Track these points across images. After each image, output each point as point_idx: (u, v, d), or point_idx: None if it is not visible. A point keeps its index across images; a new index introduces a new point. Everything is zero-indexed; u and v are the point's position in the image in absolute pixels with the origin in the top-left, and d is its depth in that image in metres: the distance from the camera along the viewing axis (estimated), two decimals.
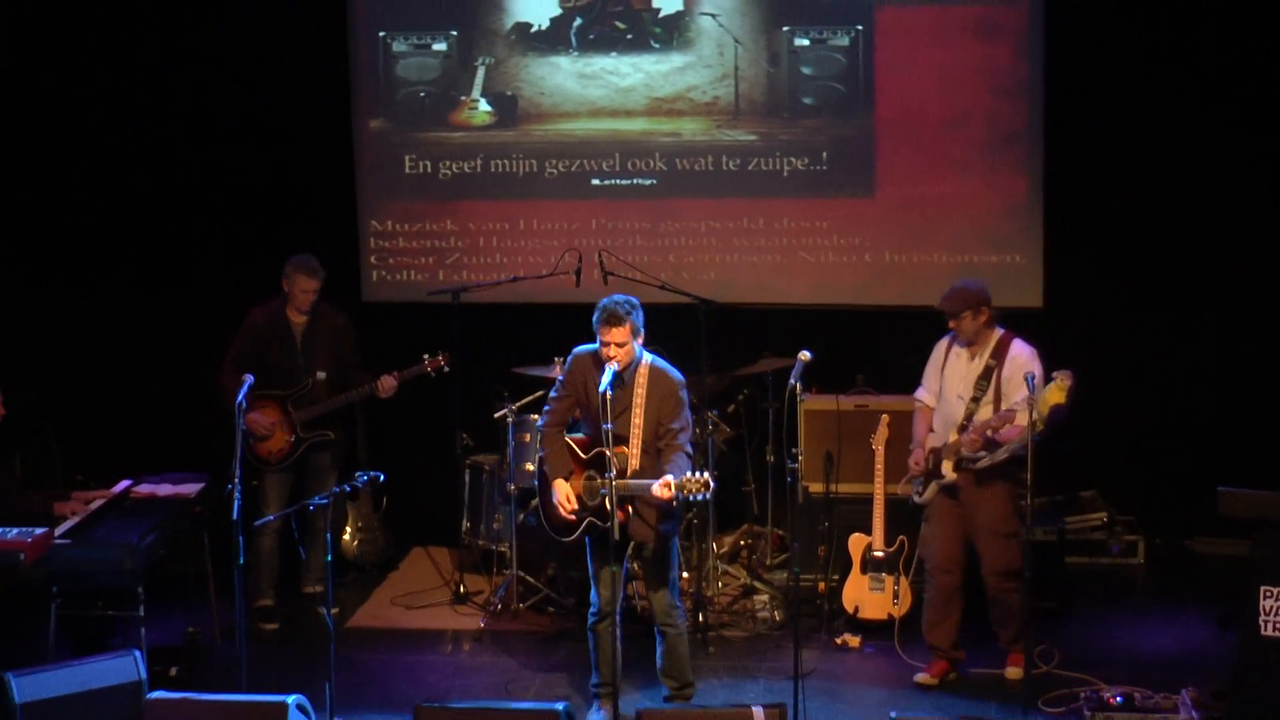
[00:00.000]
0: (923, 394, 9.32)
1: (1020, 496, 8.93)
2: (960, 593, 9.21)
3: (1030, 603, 8.65)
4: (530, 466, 9.23)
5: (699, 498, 8.45)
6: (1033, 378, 8.55)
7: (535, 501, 9.09)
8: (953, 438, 8.96)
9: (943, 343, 9.24)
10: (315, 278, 10.25)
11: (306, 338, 10.33)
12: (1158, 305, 11.08)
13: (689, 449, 8.59)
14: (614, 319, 8.39)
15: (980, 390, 8.93)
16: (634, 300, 8.54)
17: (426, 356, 10.39)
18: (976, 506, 8.99)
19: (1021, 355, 8.91)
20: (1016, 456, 8.78)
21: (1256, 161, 10.82)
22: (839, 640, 9.68)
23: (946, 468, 8.95)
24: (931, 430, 9.20)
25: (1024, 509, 8.77)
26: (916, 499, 9.21)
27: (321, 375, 10.35)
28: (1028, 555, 8.56)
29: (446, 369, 10.42)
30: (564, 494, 8.59)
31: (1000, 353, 8.95)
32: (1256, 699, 7.98)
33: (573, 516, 8.59)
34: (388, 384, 10.32)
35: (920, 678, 9.25)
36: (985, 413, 8.88)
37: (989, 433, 8.76)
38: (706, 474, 8.37)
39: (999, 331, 9.03)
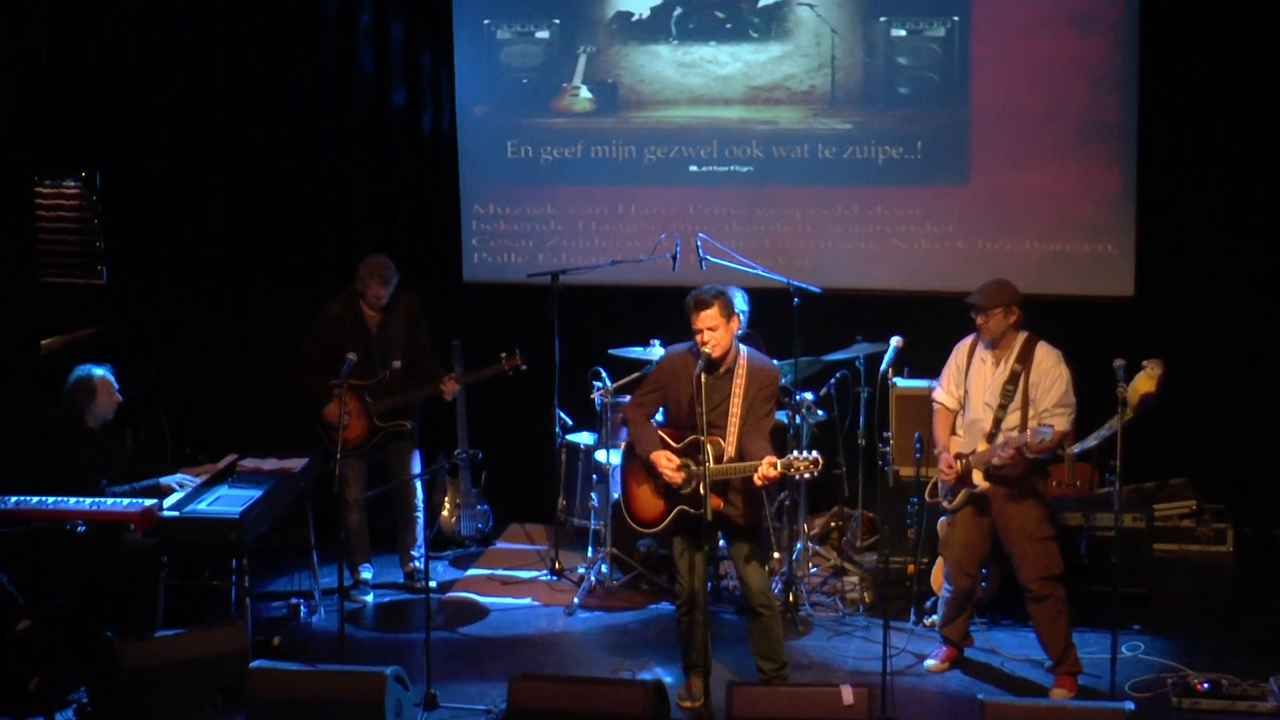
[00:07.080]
0: (941, 395, 8.87)
1: (1050, 499, 8.76)
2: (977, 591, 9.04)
3: (1115, 591, 8.37)
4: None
5: (806, 476, 8.23)
6: (1123, 368, 8.25)
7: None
8: (981, 446, 8.56)
9: (963, 345, 8.84)
10: (387, 286, 9.98)
11: (381, 329, 10.08)
12: (1248, 295, 10.82)
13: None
14: (701, 302, 8.25)
15: (1007, 397, 8.53)
16: (720, 287, 8.36)
17: (503, 356, 10.16)
18: (1009, 514, 8.58)
19: (1048, 360, 8.50)
20: (1043, 460, 8.60)
21: None
22: (928, 623, 9.42)
23: (978, 477, 8.54)
24: (955, 434, 8.80)
25: (1055, 513, 8.66)
26: (946, 504, 8.81)
27: (397, 364, 10.11)
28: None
29: (524, 368, 10.19)
30: (665, 457, 8.33)
31: (1026, 357, 8.53)
32: None
33: (678, 475, 8.30)
34: (450, 387, 10.14)
35: (930, 664, 9.03)
36: (1013, 419, 8.50)
37: (1028, 453, 8.35)
38: (815, 453, 8.18)
39: (1023, 335, 8.62)
